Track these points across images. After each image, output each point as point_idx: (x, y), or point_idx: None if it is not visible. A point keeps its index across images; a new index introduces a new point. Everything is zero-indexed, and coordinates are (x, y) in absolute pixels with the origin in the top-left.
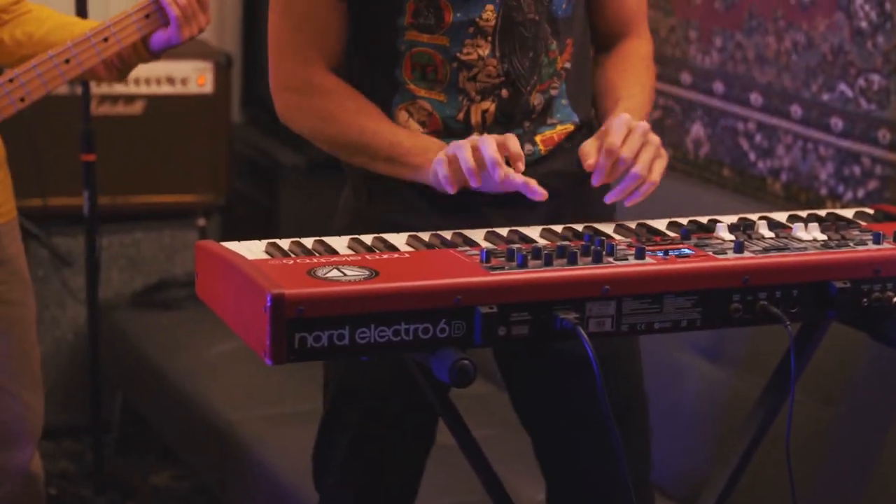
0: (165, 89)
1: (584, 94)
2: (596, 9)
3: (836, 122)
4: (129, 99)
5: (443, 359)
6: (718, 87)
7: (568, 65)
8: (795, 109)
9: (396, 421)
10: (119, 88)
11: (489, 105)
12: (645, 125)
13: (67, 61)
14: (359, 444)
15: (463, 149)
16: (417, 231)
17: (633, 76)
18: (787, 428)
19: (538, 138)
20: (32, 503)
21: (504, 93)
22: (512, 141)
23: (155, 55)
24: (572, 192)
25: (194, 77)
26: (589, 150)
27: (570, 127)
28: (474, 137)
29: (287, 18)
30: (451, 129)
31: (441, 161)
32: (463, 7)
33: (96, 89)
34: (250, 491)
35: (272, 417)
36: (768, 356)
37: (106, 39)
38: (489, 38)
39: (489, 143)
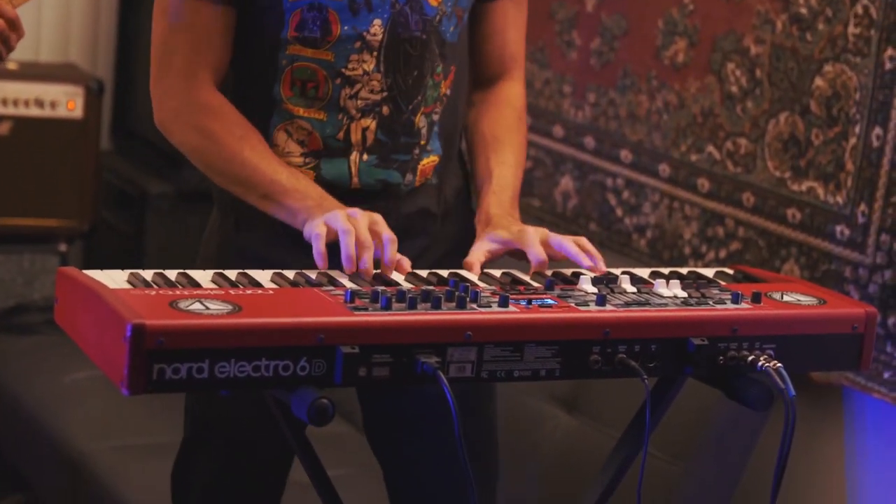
0: (34, 112)
1: (455, 125)
2: (478, 43)
3: (703, 183)
4: None
5: (302, 397)
6: (589, 142)
7: (449, 91)
8: (664, 168)
9: (252, 455)
10: None
11: (370, 122)
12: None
13: None
14: (216, 475)
15: (346, 235)
16: (283, 264)
17: (506, 134)
18: (639, 480)
19: (419, 167)
20: None
21: (385, 110)
22: (387, 234)
23: None
24: (439, 232)
25: (64, 101)
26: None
27: (436, 158)
28: (354, 220)
29: (172, 26)
30: (331, 148)
31: (318, 237)
32: (351, 21)
33: None
34: None
35: (128, 449)
36: (625, 409)
37: None
38: (374, 54)
39: (363, 233)
